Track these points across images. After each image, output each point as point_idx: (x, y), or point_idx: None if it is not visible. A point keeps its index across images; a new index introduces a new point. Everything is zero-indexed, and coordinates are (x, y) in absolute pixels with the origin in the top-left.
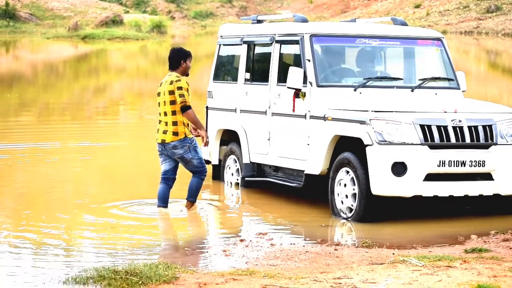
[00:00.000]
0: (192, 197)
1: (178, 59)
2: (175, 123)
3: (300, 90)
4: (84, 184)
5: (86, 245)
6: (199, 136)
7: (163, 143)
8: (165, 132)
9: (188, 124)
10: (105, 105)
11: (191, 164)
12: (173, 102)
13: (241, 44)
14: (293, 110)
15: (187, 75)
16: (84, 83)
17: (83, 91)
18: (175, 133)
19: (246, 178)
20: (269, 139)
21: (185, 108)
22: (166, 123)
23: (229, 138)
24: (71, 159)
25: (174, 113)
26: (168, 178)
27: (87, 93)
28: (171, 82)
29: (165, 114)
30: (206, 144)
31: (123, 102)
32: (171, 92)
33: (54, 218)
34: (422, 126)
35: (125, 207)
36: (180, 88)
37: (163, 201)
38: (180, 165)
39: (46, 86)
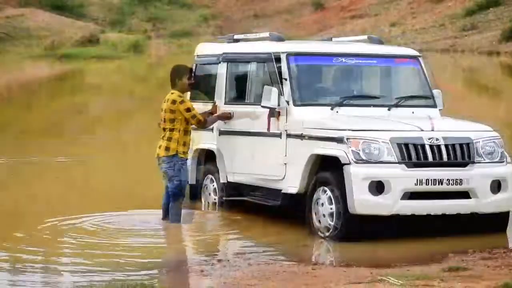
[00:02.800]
0: (173, 221)
1: (173, 77)
2: (169, 139)
3: (274, 109)
4: (61, 200)
5: (63, 264)
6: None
7: (157, 157)
8: (160, 146)
9: (185, 143)
10: (83, 124)
11: (171, 183)
12: (172, 121)
13: (217, 63)
14: (268, 129)
15: (189, 90)
16: (61, 102)
17: (60, 111)
18: (167, 149)
19: (224, 198)
20: (245, 159)
21: (203, 124)
22: (163, 138)
23: (206, 157)
24: (47, 175)
25: (172, 130)
26: None
27: (63, 112)
28: (174, 102)
29: (164, 130)
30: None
31: (100, 121)
32: (173, 111)
33: (31, 235)
34: (399, 145)
35: (101, 222)
36: (188, 109)
37: (166, 213)
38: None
39: (22, 106)
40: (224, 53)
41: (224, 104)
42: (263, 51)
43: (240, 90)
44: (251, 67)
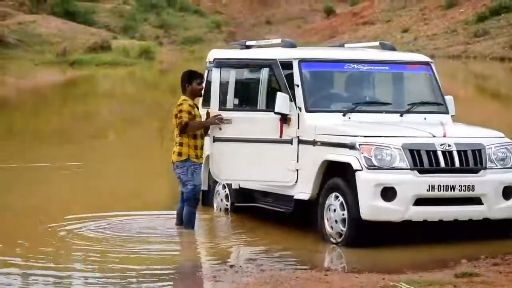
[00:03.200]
0: (186, 227)
1: (183, 82)
2: (181, 144)
3: (287, 115)
4: (71, 203)
5: (75, 272)
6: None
7: (172, 163)
8: (174, 152)
9: (196, 147)
10: (93, 130)
11: (185, 187)
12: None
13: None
14: (281, 136)
15: (199, 95)
16: (72, 108)
17: (71, 117)
18: (179, 153)
19: (236, 204)
20: (247, 165)
21: (184, 127)
22: (176, 144)
23: None
24: (56, 179)
25: (180, 134)
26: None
27: (75, 118)
28: (176, 106)
29: (176, 135)
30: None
31: (111, 127)
32: (176, 116)
33: (41, 243)
34: (411, 151)
35: (112, 227)
36: (180, 111)
37: (179, 219)
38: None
39: (34, 112)
40: (215, 59)
41: (219, 110)
42: (276, 58)
43: (251, 96)
44: (263, 74)
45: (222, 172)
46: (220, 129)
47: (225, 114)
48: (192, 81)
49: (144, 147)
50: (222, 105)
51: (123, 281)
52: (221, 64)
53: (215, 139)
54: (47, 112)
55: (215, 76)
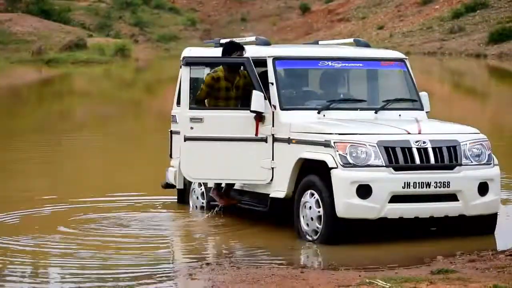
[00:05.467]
0: None
1: (222, 53)
2: None
3: (262, 113)
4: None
5: (50, 269)
6: None
7: None
8: None
9: None
10: (68, 128)
11: None
12: None
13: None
14: (256, 134)
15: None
16: (48, 107)
17: (48, 116)
18: None
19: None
20: (232, 164)
21: (198, 102)
22: None
23: None
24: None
25: None
26: None
27: (51, 117)
28: None
29: None
30: None
31: (86, 125)
32: None
33: (19, 238)
34: (386, 148)
35: (84, 224)
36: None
37: None
38: None
39: (9, 111)
40: (184, 58)
41: (190, 109)
42: (250, 56)
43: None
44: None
45: (193, 171)
46: (192, 128)
47: (197, 113)
48: (232, 53)
49: (118, 145)
50: (193, 103)
51: (97, 275)
52: (190, 62)
53: (186, 138)
54: (23, 111)
55: (185, 75)
